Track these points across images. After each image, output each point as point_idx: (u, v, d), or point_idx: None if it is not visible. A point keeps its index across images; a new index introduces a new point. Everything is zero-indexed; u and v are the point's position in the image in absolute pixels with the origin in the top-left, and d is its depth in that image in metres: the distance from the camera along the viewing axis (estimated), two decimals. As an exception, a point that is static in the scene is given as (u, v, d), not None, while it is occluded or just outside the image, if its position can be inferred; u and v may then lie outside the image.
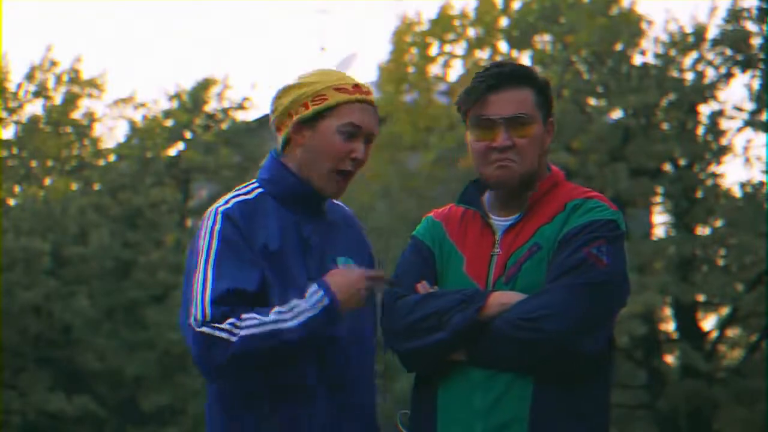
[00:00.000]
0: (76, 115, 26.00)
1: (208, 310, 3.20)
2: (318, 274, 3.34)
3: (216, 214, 3.34)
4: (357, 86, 3.43)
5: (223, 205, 3.36)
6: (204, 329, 3.19)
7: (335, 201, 3.54)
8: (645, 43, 20.25)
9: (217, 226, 3.32)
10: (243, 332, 3.17)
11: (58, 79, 25.97)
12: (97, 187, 25.33)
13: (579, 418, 3.12)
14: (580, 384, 3.12)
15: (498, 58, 21.24)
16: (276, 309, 3.21)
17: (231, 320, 3.18)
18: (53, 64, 26.00)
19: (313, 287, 3.24)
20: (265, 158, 3.50)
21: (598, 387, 3.18)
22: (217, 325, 3.18)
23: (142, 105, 26.06)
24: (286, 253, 3.33)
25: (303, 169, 3.41)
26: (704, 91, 19.64)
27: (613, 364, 3.24)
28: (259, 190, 3.42)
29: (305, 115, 3.41)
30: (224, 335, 3.17)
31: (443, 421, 3.16)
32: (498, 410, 3.09)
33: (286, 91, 3.46)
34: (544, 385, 3.08)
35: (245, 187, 3.45)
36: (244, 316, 3.19)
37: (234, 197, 3.39)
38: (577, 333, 3.05)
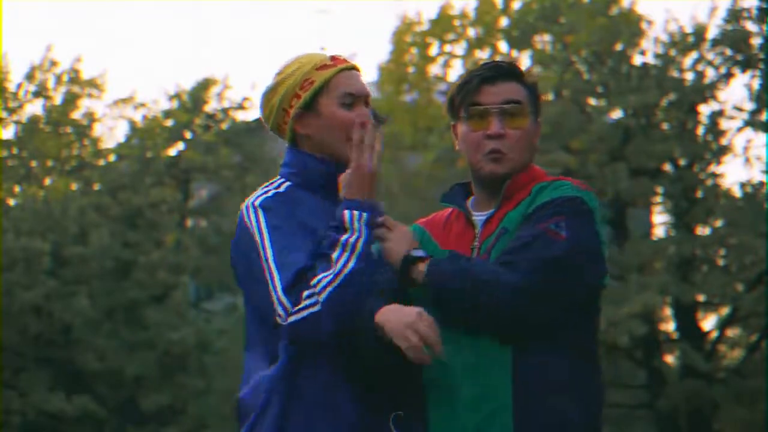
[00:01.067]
0: (76, 115, 26.01)
1: (286, 303, 3.18)
2: None
3: (254, 209, 3.32)
4: (334, 57, 3.46)
5: (258, 198, 3.35)
6: (292, 319, 3.18)
7: None
8: (645, 43, 20.26)
9: (261, 218, 3.31)
10: (323, 296, 3.18)
11: (58, 79, 25.98)
12: (97, 187, 25.33)
13: (564, 395, 3.12)
14: (562, 360, 3.13)
15: (498, 59, 21.25)
16: (334, 255, 3.20)
17: (306, 293, 3.17)
18: (53, 64, 26.01)
19: (346, 214, 3.24)
20: (284, 156, 3.50)
21: (581, 364, 3.18)
22: (298, 307, 3.18)
23: (142, 105, 26.08)
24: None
25: (322, 151, 3.42)
26: (704, 91, 19.65)
27: (591, 341, 3.23)
28: (288, 183, 3.41)
29: (301, 103, 3.42)
30: (308, 312, 3.18)
31: (434, 418, 3.17)
32: (485, 400, 3.11)
33: (271, 91, 3.47)
34: (524, 369, 3.10)
35: (271, 183, 3.43)
36: (313, 281, 3.18)
37: (265, 192, 3.38)
38: (516, 306, 3.05)
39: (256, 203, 3.33)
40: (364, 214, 3.26)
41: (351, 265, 3.22)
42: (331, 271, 3.20)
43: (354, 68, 3.47)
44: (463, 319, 3.11)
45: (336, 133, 3.40)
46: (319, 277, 3.19)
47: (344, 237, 3.23)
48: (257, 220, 3.31)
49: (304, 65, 3.44)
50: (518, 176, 3.27)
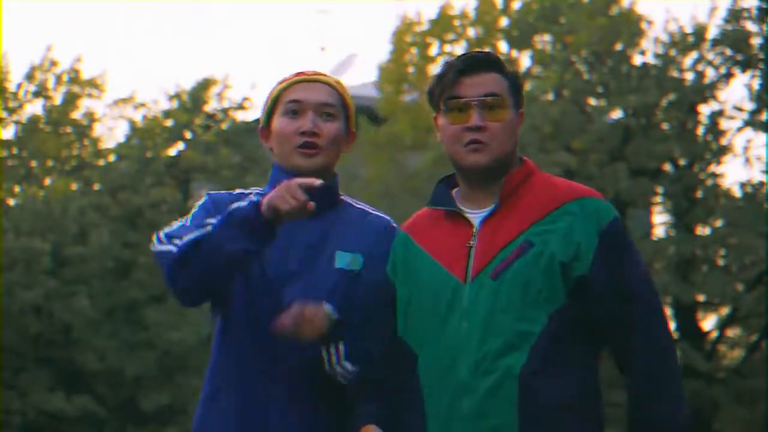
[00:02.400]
0: (76, 115, 25.99)
1: (161, 236, 3.30)
2: (304, 268, 3.34)
3: (205, 196, 3.44)
4: (299, 73, 3.44)
5: (216, 192, 3.47)
6: (154, 248, 3.28)
7: (357, 206, 3.52)
8: (645, 43, 20.25)
9: (200, 201, 3.43)
10: (181, 242, 3.24)
11: (58, 79, 25.96)
12: (97, 187, 25.32)
13: (569, 412, 3.08)
14: (567, 382, 3.09)
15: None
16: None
17: (176, 240, 3.26)
18: (53, 64, 25.99)
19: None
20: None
21: (589, 378, 3.15)
22: (163, 242, 3.28)
23: (142, 105, 26.06)
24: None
25: (281, 166, 3.42)
26: (704, 91, 19.64)
27: (596, 361, 3.20)
28: (257, 191, 3.43)
29: (263, 118, 3.46)
30: (167, 248, 3.25)
31: (432, 425, 3.13)
32: (486, 414, 3.06)
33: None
34: (530, 383, 3.06)
35: (248, 192, 3.47)
36: (181, 232, 3.28)
37: (232, 190, 3.48)
38: None
39: (209, 193, 3.44)
40: (256, 198, 3.22)
41: (210, 228, 3.21)
42: (200, 228, 3.24)
43: (316, 81, 3.41)
44: None
45: (280, 144, 3.39)
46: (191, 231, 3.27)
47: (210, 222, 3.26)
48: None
49: (275, 83, 3.46)
50: (515, 172, 3.22)
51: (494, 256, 3.13)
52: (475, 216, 3.21)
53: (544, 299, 3.08)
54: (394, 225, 3.51)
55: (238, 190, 3.46)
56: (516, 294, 3.08)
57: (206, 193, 3.42)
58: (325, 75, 3.44)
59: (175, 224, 3.35)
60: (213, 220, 3.24)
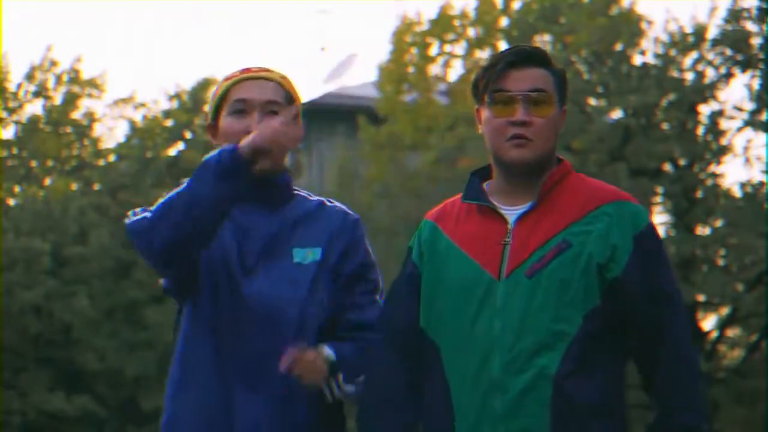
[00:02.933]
0: (76, 115, 26.01)
1: (135, 210, 3.27)
2: (262, 263, 3.32)
3: None
4: (246, 69, 3.39)
5: None
6: (128, 222, 3.25)
7: (312, 198, 3.47)
8: (645, 43, 20.24)
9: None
10: (155, 207, 3.20)
11: (58, 79, 25.97)
12: (97, 187, 25.33)
13: (600, 414, 3.08)
14: (600, 378, 3.10)
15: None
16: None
17: (150, 209, 3.23)
18: (53, 64, 26.01)
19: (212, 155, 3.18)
20: None
21: (618, 380, 3.15)
22: (138, 214, 3.24)
23: (142, 105, 26.08)
24: (222, 246, 3.32)
25: None
26: (704, 91, 19.63)
27: (624, 363, 3.21)
28: None
29: (210, 115, 3.41)
30: (141, 216, 3.22)
31: (461, 427, 3.10)
32: (518, 414, 3.04)
33: None
34: (564, 385, 3.04)
35: None
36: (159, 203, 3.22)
37: None
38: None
39: None
40: (229, 147, 3.15)
41: (184, 185, 3.17)
42: (171, 196, 3.18)
43: (262, 78, 3.36)
44: None
45: (225, 142, 3.29)
46: (161, 204, 3.20)
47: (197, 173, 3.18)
48: None
49: (221, 79, 3.41)
50: (554, 171, 3.18)
51: (530, 254, 3.09)
52: (510, 213, 3.16)
53: (580, 300, 3.06)
54: (351, 213, 3.47)
55: None
56: (552, 293, 3.05)
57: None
58: (270, 71, 3.38)
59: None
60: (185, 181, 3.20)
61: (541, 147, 3.15)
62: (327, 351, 3.25)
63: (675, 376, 3.12)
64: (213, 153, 3.14)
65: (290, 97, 3.37)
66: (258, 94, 3.32)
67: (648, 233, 3.13)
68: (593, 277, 3.07)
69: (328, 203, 3.48)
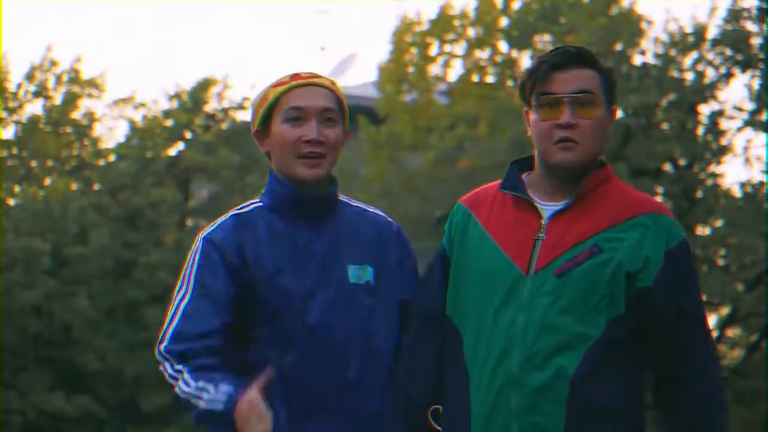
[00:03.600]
0: (76, 115, 26.01)
1: (164, 351, 3.25)
2: (320, 283, 3.28)
3: (199, 240, 3.33)
4: (295, 75, 3.38)
5: (211, 230, 3.34)
6: (160, 359, 3.27)
7: (353, 204, 3.46)
8: (645, 43, 20.24)
9: (197, 255, 3.31)
10: (181, 386, 3.22)
11: (58, 79, 25.98)
12: (97, 187, 25.33)
13: (615, 419, 3.07)
14: (618, 383, 3.09)
15: (498, 59, 21.26)
16: (203, 382, 3.19)
17: (180, 367, 3.23)
18: (53, 64, 26.01)
19: (224, 390, 3.17)
20: None
21: (636, 386, 3.14)
22: (169, 365, 3.25)
23: (142, 105, 26.08)
24: (279, 266, 3.28)
25: (280, 173, 3.36)
26: (704, 91, 19.63)
27: (642, 369, 3.20)
28: (258, 204, 3.38)
29: (258, 121, 3.41)
30: (171, 379, 3.24)
31: (477, 419, 3.10)
32: (533, 411, 3.04)
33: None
34: (581, 386, 3.03)
35: (247, 204, 3.42)
36: (187, 374, 3.22)
37: (224, 220, 3.37)
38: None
39: (203, 234, 3.32)
40: (222, 408, 3.17)
41: (198, 402, 3.19)
42: (192, 386, 3.20)
43: (314, 84, 3.36)
44: None
45: (280, 150, 3.33)
46: (192, 376, 3.20)
47: (217, 387, 3.18)
48: (194, 256, 3.32)
49: (268, 84, 3.40)
50: (596, 173, 3.16)
51: (562, 253, 3.08)
52: (546, 208, 3.15)
53: (606, 305, 3.05)
54: (393, 223, 3.46)
55: (233, 212, 3.38)
56: (579, 295, 3.04)
57: (201, 238, 3.32)
58: (320, 77, 3.39)
59: (178, 315, 3.28)
60: (201, 390, 3.20)
61: (588, 149, 3.13)
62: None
63: (700, 395, 3.10)
64: (217, 400, 3.17)
65: (340, 103, 3.38)
66: (313, 101, 3.31)
67: (680, 250, 3.12)
68: (620, 285, 3.06)
69: (370, 211, 3.48)
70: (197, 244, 3.32)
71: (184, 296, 3.28)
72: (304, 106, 3.31)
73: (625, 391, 3.09)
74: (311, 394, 3.25)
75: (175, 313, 3.27)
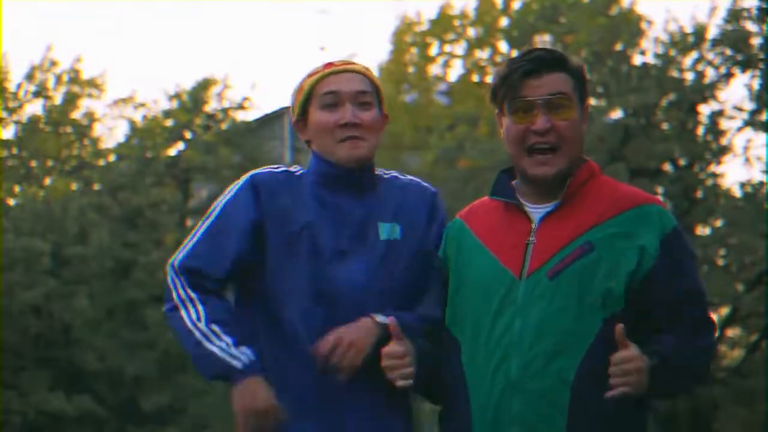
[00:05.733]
0: (76, 115, 26.00)
1: (177, 267, 3.33)
2: (351, 243, 3.34)
3: (245, 179, 3.41)
4: (329, 63, 3.45)
5: (261, 171, 3.43)
6: (171, 274, 3.33)
7: (396, 176, 3.52)
8: (645, 43, 20.25)
9: (236, 187, 3.40)
10: (190, 314, 3.28)
11: (58, 79, 25.97)
12: (97, 187, 25.33)
13: (617, 420, 3.06)
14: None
15: (498, 59, 21.26)
16: (218, 326, 3.25)
17: (193, 295, 3.29)
18: (53, 64, 26.00)
19: (246, 353, 3.23)
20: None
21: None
22: (180, 285, 3.31)
23: (142, 105, 26.07)
24: (312, 222, 3.35)
25: (324, 156, 3.42)
26: (704, 91, 19.63)
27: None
28: (304, 171, 3.46)
29: (297, 111, 3.47)
30: (179, 300, 3.29)
31: (478, 426, 3.09)
32: (534, 417, 3.03)
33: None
34: (582, 390, 3.02)
35: (299, 169, 3.49)
36: (201, 308, 3.27)
37: (276, 167, 3.45)
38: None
39: (252, 172, 3.42)
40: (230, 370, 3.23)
41: (200, 342, 3.25)
42: (195, 323, 3.25)
43: (347, 71, 3.42)
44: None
45: (320, 137, 3.40)
46: (198, 308, 3.26)
47: (225, 339, 3.24)
48: (233, 188, 3.41)
49: (303, 75, 3.47)
50: (580, 171, 3.17)
51: (553, 255, 3.08)
52: (536, 211, 3.15)
53: (601, 303, 3.04)
54: (431, 188, 3.52)
55: (281, 168, 3.46)
56: (573, 295, 3.04)
57: (248, 175, 3.41)
58: (353, 63, 3.46)
59: (198, 235, 3.37)
60: (206, 333, 3.26)
61: (568, 154, 3.15)
62: (380, 318, 3.29)
63: (690, 339, 3.11)
64: (228, 359, 3.23)
65: (375, 87, 3.44)
66: (346, 86, 3.38)
67: (675, 236, 3.11)
68: (615, 280, 3.05)
69: (414, 180, 3.54)
70: (241, 179, 3.42)
71: (208, 219, 3.37)
72: (337, 90, 3.38)
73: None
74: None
75: (196, 232, 3.36)
